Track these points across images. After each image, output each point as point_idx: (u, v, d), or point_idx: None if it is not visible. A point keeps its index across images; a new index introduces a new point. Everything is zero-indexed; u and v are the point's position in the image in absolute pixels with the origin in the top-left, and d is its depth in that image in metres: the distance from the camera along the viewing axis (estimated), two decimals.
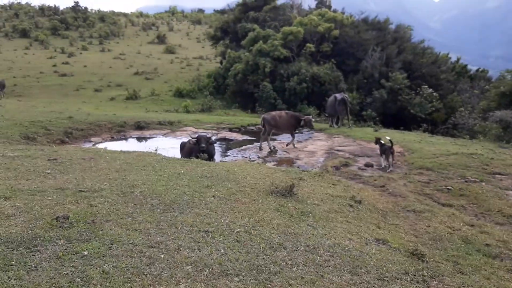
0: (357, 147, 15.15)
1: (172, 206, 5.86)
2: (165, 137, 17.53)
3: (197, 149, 10.94)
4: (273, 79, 32.17)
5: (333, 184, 8.90)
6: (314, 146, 15.70)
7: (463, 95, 31.11)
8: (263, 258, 4.57)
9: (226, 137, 17.86)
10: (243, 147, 15.76)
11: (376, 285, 4.40)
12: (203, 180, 7.45)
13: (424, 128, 23.08)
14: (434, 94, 28.77)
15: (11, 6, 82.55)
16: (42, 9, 79.21)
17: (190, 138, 11.34)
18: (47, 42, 58.51)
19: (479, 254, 5.88)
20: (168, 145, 14.59)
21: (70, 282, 3.66)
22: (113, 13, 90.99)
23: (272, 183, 7.53)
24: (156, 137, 17.43)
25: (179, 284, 3.84)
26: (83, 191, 6.17)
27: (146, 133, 17.87)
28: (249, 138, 17.90)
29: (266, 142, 15.23)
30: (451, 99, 30.07)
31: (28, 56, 49.56)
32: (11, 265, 3.83)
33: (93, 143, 15.41)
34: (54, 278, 3.69)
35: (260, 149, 15.00)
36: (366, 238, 5.77)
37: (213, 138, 11.68)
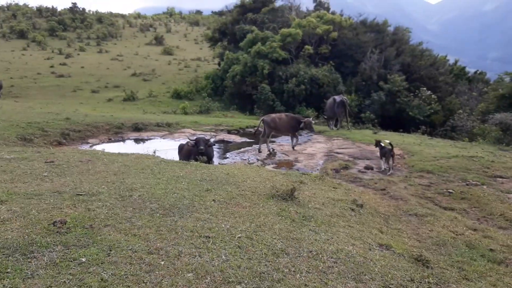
0: (356, 149, 15.08)
1: (171, 210, 5.75)
2: (163, 139, 17.43)
3: (195, 151, 10.84)
4: (272, 81, 32.08)
5: (334, 188, 8.80)
6: (313, 148, 15.62)
7: (462, 97, 31.05)
8: (266, 265, 4.47)
9: (225, 139, 17.77)
10: (242, 149, 15.67)
11: None
12: (202, 184, 7.34)
13: (423, 131, 23.03)
14: (433, 96, 28.72)
15: (8, 7, 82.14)
16: (40, 10, 78.90)
17: (188, 140, 11.25)
18: (44, 43, 58.25)
19: (484, 260, 5.79)
20: (166, 147, 14.48)
21: None
22: (110, 14, 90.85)
23: (272, 186, 7.43)
24: (154, 139, 17.31)
25: None
26: (81, 194, 6.05)
27: (144, 134, 17.75)
28: (248, 140, 17.79)
29: (265, 144, 15.14)
30: (450, 101, 29.99)
31: (26, 57, 49.30)
32: (7, 272, 3.71)
33: (91, 144, 15.30)
34: (51, 287, 3.58)
35: (259, 151, 14.91)
36: (369, 243, 5.67)
37: (212, 140, 11.57)
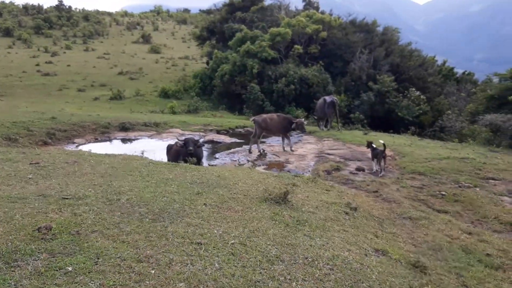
0: (347, 150, 14.98)
1: (161, 215, 5.55)
2: (151, 139, 17.16)
3: (184, 152, 10.60)
4: (261, 81, 31.95)
5: (326, 190, 8.66)
6: (304, 149, 15.48)
7: (450, 98, 31.19)
8: (260, 273, 4.30)
9: (214, 139, 17.54)
10: (232, 150, 15.47)
11: None
12: (193, 187, 7.15)
13: (412, 131, 23.05)
14: (422, 97, 28.84)
15: None
16: (26, 8, 77.92)
17: (177, 140, 10.99)
18: (30, 41, 57.55)
19: (481, 265, 5.70)
20: (154, 148, 14.25)
21: None
22: (97, 12, 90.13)
23: (265, 189, 7.26)
24: (141, 138, 17.05)
25: None
26: (67, 198, 5.82)
27: (131, 134, 17.47)
28: (238, 140, 17.60)
29: (255, 145, 14.97)
30: (438, 102, 30.12)
31: (11, 55, 48.65)
32: None
33: (77, 144, 15.01)
34: None
35: (250, 152, 14.74)
36: (365, 249, 5.53)
37: (201, 140, 11.34)
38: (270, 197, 6.82)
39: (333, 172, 11.81)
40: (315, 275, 4.44)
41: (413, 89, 29.43)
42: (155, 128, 18.64)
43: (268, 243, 5.07)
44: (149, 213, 5.56)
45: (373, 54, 33.02)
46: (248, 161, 13.45)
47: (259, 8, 40.22)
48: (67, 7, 78.99)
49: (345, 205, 7.40)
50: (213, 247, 4.73)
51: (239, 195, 6.98)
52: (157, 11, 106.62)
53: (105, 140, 16.40)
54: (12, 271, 3.73)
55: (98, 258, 4.13)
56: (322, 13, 38.63)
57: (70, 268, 3.87)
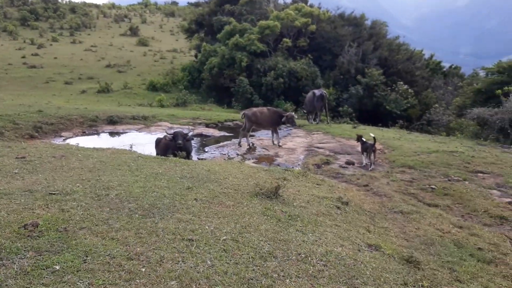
0: (336, 144, 14.94)
1: (151, 210, 5.45)
2: (139, 132, 16.95)
3: (173, 146, 10.50)
4: (250, 74, 31.81)
5: (317, 184, 8.61)
6: (294, 143, 15.42)
7: (437, 92, 31.40)
8: (253, 270, 4.23)
9: (203, 133, 17.37)
10: (221, 143, 15.34)
11: None
12: (183, 181, 7.05)
13: (400, 125, 23.13)
14: (410, 90, 28.96)
15: None
16: None
17: (166, 134, 10.86)
18: (16, 33, 56.72)
19: (474, 260, 5.68)
20: (142, 141, 14.07)
21: None
22: (84, 4, 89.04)
23: (256, 184, 7.17)
24: (129, 132, 16.83)
25: None
26: (54, 193, 5.70)
27: (119, 128, 17.24)
28: (227, 134, 17.48)
29: (245, 138, 14.88)
30: (426, 96, 30.28)
31: None
32: None
33: (64, 138, 14.77)
34: None
35: (239, 145, 14.64)
36: (358, 244, 5.49)
37: (190, 134, 11.22)
38: (261, 191, 6.75)
39: (323, 166, 11.76)
40: (308, 271, 4.39)
41: (401, 82, 29.54)
42: (144, 122, 18.42)
43: (260, 239, 5.01)
44: (138, 208, 5.46)
45: (361, 47, 33.05)
46: (237, 155, 13.35)
47: (248, 1, 39.94)
48: None
49: (336, 200, 7.36)
50: (205, 243, 4.66)
51: (230, 190, 6.90)
52: (145, 4, 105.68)
53: (93, 134, 16.16)
54: None
55: (87, 256, 4.04)
56: (311, 6, 38.50)
57: (57, 267, 3.78)
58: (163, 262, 4.11)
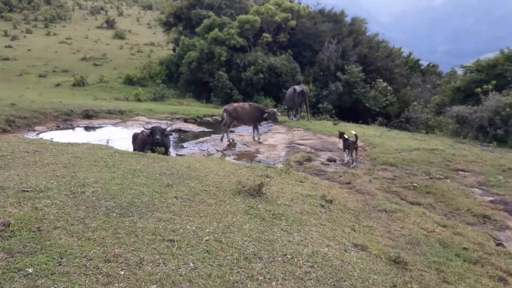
0: (318, 141, 14.84)
1: (129, 209, 5.21)
2: (116, 127, 16.54)
3: (151, 141, 10.22)
4: (229, 69, 31.52)
5: (300, 182, 8.47)
6: (274, 139, 15.26)
7: (416, 90, 31.66)
8: (238, 272, 4.05)
9: (182, 128, 17.07)
10: (200, 139, 15.08)
11: None
12: (162, 178, 6.80)
13: (380, 122, 23.21)
14: (389, 88, 29.09)
15: None
16: None
17: (143, 129, 10.56)
18: None
19: (460, 260, 5.62)
20: (119, 136, 13.73)
21: None
22: None
23: (238, 181, 6.96)
24: (105, 126, 16.42)
25: None
26: (27, 190, 5.40)
27: (95, 122, 16.81)
28: (206, 129, 17.21)
29: (226, 134, 14.64)
30: (405, 93, 30.50)
31: None
32: None
33: (38, 132, 14.32)
34: None
35: (221, 140, 14.39)
36: (344, 244, 5.35)
37: (168, 129, 10.93)
38: (244, 189, 6.57)
39: (304, 162, 11.64)
40: (295, 273, 4.24)
41: (380, 80, 29.67)
42: (120, 116, 18.00)
43: (244, 239, 4.83)
44: (116, 207, 5.22)
45: (341, 44, 33.06)
46: (217, 151, 13.11)
47: None
48: None
49: (320, 198, 7.23)
50: (187, 244, 4.45)
51: (211, 187, 6.69)
52: None
53: (67, 128, 15.71)
54: None
55: (62, 258, 3.81)
56: (291, 1, 38.29)
57: (30, 270, 3.56)
58: (143, 265, 3.89)
